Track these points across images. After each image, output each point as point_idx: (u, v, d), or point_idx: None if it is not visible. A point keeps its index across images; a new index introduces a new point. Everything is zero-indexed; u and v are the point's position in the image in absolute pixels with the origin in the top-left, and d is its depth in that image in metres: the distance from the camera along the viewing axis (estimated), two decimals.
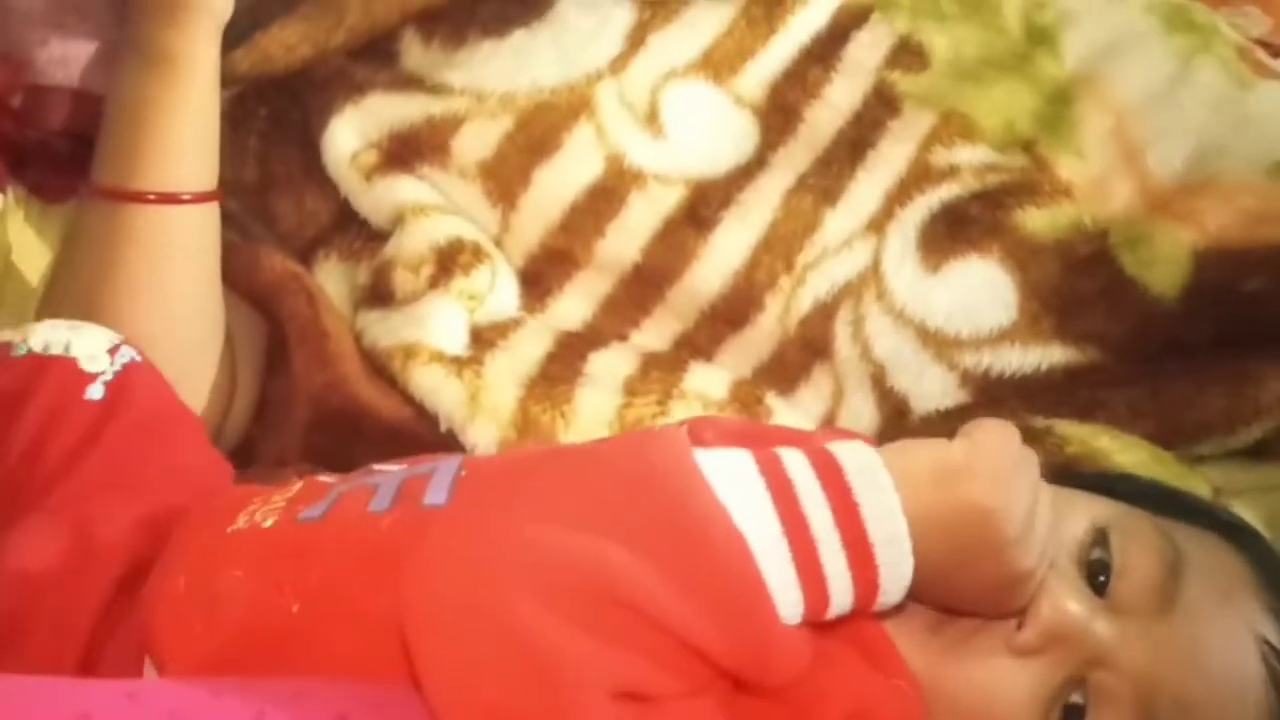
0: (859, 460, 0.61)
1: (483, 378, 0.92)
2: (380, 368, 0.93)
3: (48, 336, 0.79)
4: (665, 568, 0.57)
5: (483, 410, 0.91)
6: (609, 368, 0.93)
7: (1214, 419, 0.92)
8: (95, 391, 0.78)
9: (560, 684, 0.56)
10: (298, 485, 0.74)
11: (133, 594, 0.69)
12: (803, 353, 0.94)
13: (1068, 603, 0.65)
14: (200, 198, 0.90)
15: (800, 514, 0.59)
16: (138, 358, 0.81)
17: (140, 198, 0.88)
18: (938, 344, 0.93)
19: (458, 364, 0.92)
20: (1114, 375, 0.93)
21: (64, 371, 0.78)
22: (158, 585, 0.68)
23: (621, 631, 0.57)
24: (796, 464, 0.61)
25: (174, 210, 0.89)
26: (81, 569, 0.70)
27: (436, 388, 0.91)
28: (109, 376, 0.79)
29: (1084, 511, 0.69)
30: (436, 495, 0.67)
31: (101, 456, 0.76)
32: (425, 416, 0.91)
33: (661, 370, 0.94)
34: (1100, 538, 0.68)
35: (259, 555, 0.68)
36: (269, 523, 0.70)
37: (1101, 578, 0.67)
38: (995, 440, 0.64)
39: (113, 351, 0.81)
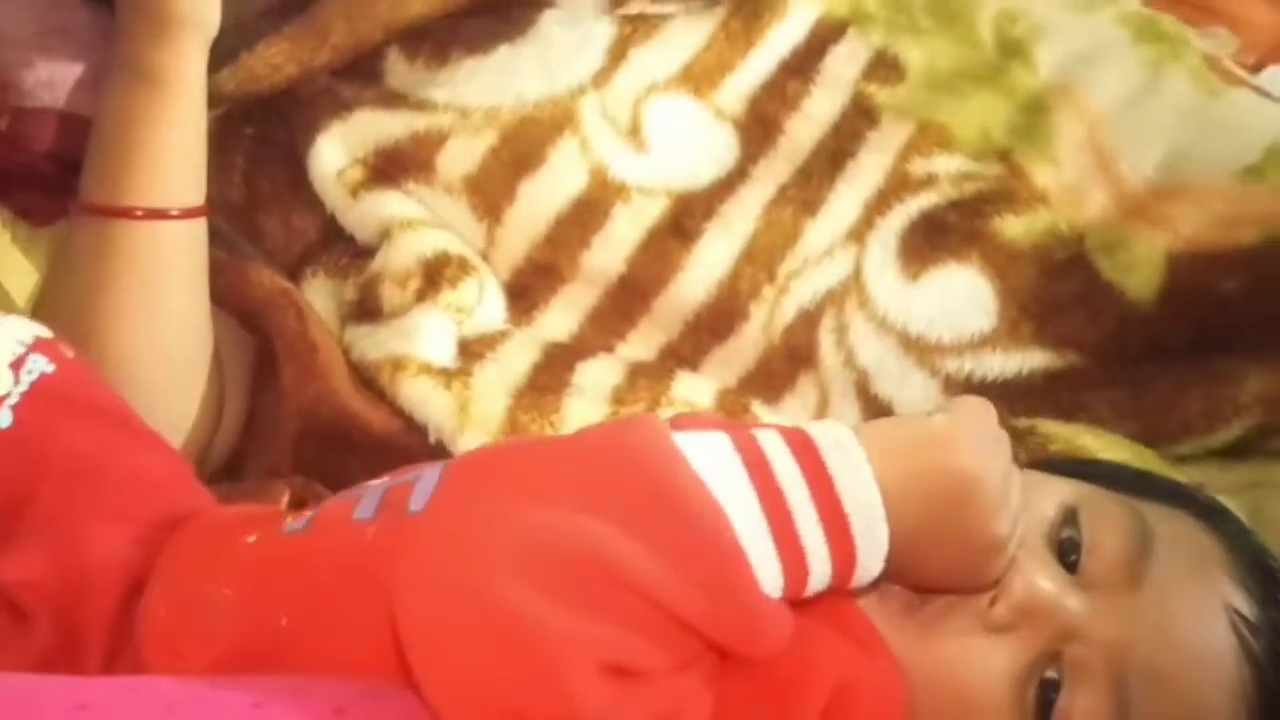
0: (831, 435, 0.62)
1: (471, 389, 0.92)
2: (369, 381, 0.94)
3: None
4: (648, 541, 0.57)
5: (472, 421, 0.91)
6: (597, 378, 0.94)
7: (1194, 419, 0.93)
8: (1, 419, 0.73)
9: (548, 660, 0.56)
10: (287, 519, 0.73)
11: (132, 616, 0.69)
12: (787, 361, 0.95)
13: (1039, 579, 0.66)
14: (188, 213, 0.90)
15: (776, 488, 0.60)
16: (48, 368, 0.76)
17: (128, 213, 0.89)
18: (920, 350, 0.94)
19: (446, 375, 0.93)
20: (1094, 378, 0.95)
21: None
22: (142, 610, 0.68)
23: (607, 605, 0.57)
24: (771, 441, 0.62)
25: (162, 226, 0.89)
26: (85, 587, 0.69)
27: (425, 399, 0.92)
28: (15, 399, 0.74)
29: (1054, 493, 0.70)
30: (420, 502, 0.67)
31: (53, 491, 0.72)
32: (415, 428, 0.92)
33: (649, 379, 0.94)
34: (1070, 516, 0.69)
35: (245, 571, 0.68)
36: (252, 538, 0.70)
37: (1073, 556, 0.68)
38: (975, 411, 0.66)
39: (17, 365, 0.75)
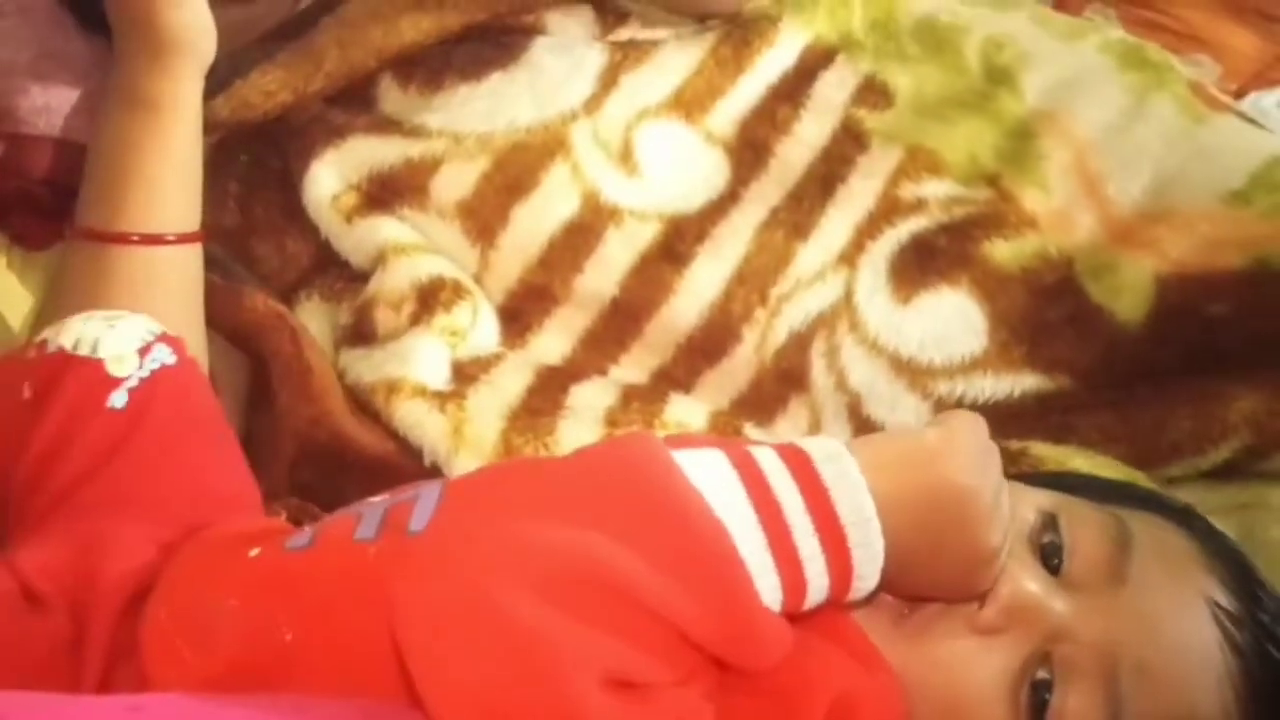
0: (825, 449, 0.63)
1: (465, 411, 0.93)
2: (364, 404, 0.94)
3: (80, 332, 0.78)
4: (648, 555, 0.58)
5: (466, 443, 0.92)
6: (590, 400, 0.95)
7: (1183, 440, 0.94)
8: (118, 399, 0.76)
9: (551, 672, 0.57)
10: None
11: (136, 621, 0.69)
12: (779, 384, 0.96)
13: (1025, 582, 0.67)
14: (184, 239, 0.91)
15: (773, 502, 0.61)
16: (170, 360, 0.79)
17: (124, 239, 0.89)
18: (911, 373, 0.95)
19: (440, 398, 0.93)
20: (1084, 401, 0.95)
21: (89, 375, 0.76)
22: (145, 617, 0.69)
23: (609, 618, 0.58)
24: (766, 457, 0.63)
25: (158, 251, 0.90)
26: (95, 586, 0.70)
27: (420, 421, 0.92)
28: (134, 383, 0.77)
29: (1031, 501, 0.71)
30: (420, 522, 0.67)
31: (120, 471, 0.75)
32: (409, 450, 0.92)
33: (641, 402, 0.95)
34: (1050, 521, 0.70)
35: (249, 585, 0.69)
36: (255, 552, 0.70)
37: (1055, 560, 0.69)
38: (968, 425, 0.67)
39: (144, 351, 0.78)
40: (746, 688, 0.61)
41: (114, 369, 0.77)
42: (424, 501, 0.68)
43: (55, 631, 0.69)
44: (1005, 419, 0.93)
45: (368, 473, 0.91)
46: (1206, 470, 0.95)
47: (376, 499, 0.72)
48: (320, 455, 0.92)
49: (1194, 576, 0.70)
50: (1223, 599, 0.70)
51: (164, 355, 0.79)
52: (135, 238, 0.89)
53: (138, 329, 0.79)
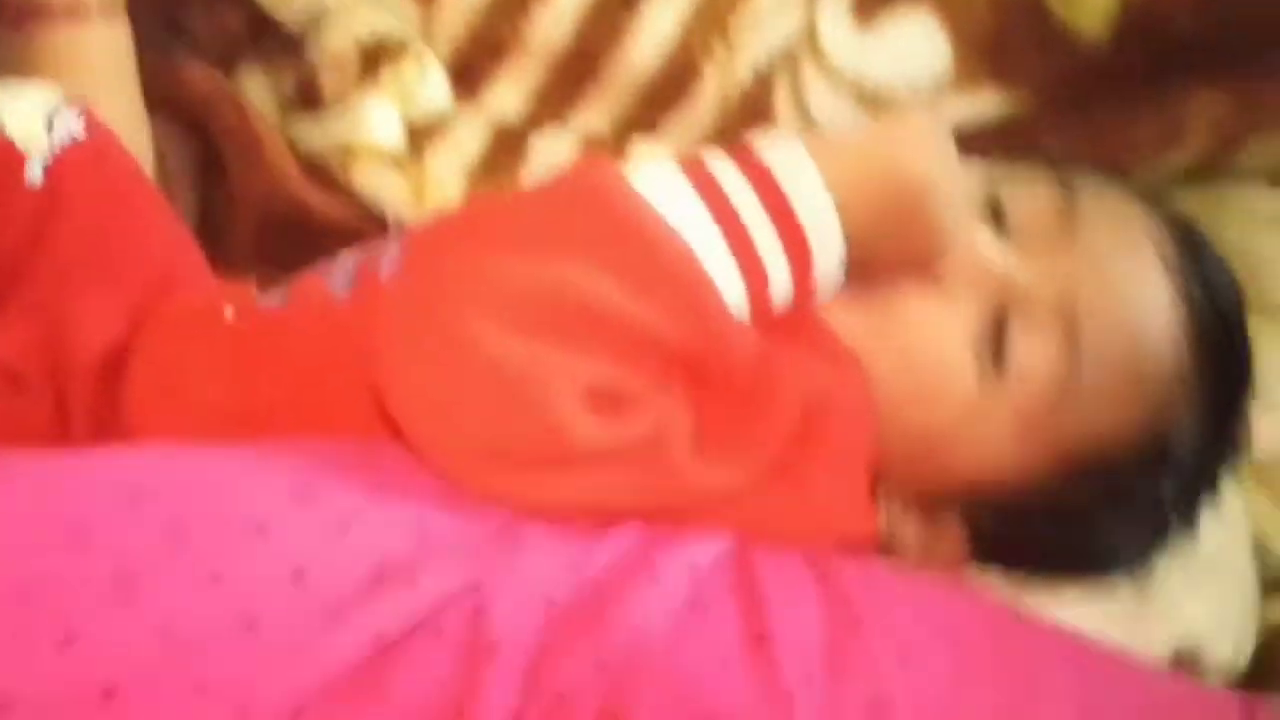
0: (780, 149, 0.63)
1: (425, 171, 0.91)
2: (319, 171, 0.92)
3: None
4: (613, 272, 0.58)
5: (428, 203, 0.91)
6: (551, 151, 0.93)
7: (1144, 142, 0.94)
8: (34, 174, 0.75)
9: (532, 395, 0.58)
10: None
11: (116, 389, 0.69)
12: (744, 121, 0.94)
13: (979, 245, 0.68)
14: (106, 10, 0.87)
15: (730, 209, 0.61)
16: (79, 133, 0.77)
17: (46, 13, 0.85)
18: (875, 103, 0.93)
19: (398, 160, 0.91)
20: (1049, 119, 0.95)
21: None
22: (126, 385, 0.69)
23: (582, 336, 0.58)
24: (721, 166, 0.63)
25: (82, 28, 0.86)
26: (67, 359, 0.70)
27: (380, 185, 0.91)
28: (47, 159, 0.75)
29: (980, 172, 0.71)
30: (389, 269, 0.68)
31: (57, 247, 0.74)
32: (371, 215, 0.91)
33: (605, 150, 0.93)
34: (998, 189, 0.71)
35: (227, 344, 0.69)
36: (229, 312, 0.70)
37: (1006, 223, 0.70)
38: (918, 115, 0.68)
39: (50, 125, 0.77)
40: (722, 394, 0.62)
41: (23, 145, 0.75)
42: (391, 250, 0.69)
43: (37, 409, 0.69)
44: (968, 142, 0.92)
45: (332, 239, 0.88)
46: (1167, 175, 0.95)
47: (346, 255, 0.72)
48: (282, 225, 0.91)
49: (1141, 231, 0.71)
50: (1169, 249, 0.71)
51: (74, 127, 0.77)
52: (56, 11, 0.85)
53: (38, 102, 0.77)
